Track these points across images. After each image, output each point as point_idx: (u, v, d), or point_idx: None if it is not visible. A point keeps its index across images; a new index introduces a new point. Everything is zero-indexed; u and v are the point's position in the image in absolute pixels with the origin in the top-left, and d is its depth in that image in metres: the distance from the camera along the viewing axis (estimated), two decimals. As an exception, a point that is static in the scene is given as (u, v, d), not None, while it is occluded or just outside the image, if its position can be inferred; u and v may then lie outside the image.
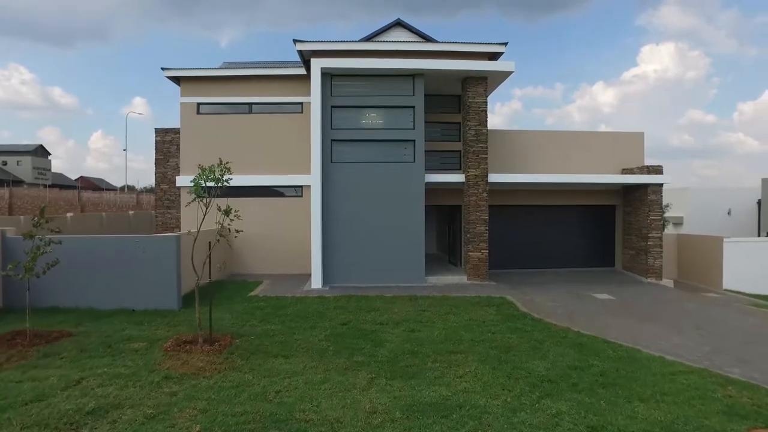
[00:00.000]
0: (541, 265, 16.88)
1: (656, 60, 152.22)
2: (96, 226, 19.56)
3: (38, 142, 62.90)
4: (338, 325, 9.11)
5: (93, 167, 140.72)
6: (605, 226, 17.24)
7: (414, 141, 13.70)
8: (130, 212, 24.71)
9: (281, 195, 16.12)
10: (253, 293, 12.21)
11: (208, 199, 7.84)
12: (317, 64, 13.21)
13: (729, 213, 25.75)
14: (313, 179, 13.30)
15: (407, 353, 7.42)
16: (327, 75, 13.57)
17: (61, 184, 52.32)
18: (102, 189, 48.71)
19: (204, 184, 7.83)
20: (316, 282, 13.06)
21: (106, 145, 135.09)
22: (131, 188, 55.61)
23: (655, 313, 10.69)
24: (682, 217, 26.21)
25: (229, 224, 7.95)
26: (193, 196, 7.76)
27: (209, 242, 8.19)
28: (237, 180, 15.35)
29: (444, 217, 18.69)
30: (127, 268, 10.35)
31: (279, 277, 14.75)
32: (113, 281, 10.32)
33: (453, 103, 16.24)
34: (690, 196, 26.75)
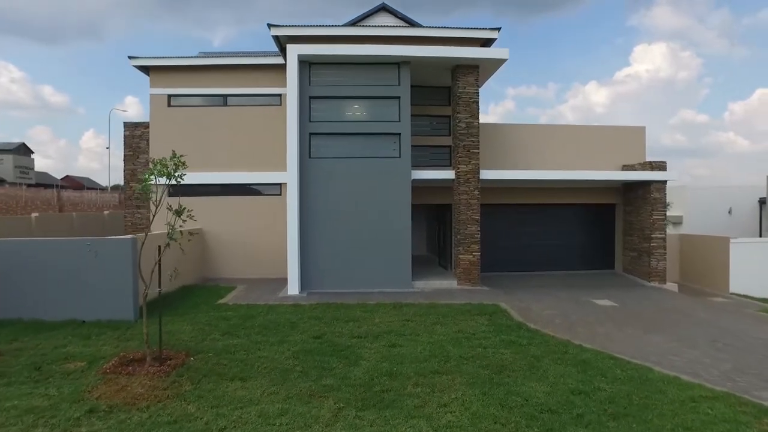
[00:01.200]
0: (536, 268, 15.89)
1: (648, 60, 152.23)
2: (65, 226, 18.35)
3: (29, 142, 61.45)
4: (310, 338, 8.10)
5: (85, 167, 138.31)
6: (605, 226, 16.28)
7: (399, 134, 12.65)
8: (105, 212, 23.51)
9: (259, 193, 15.03)
10: (222, 300, 11.14)
11: (158, 197, 6.90)
12: (293, 51, 12.11)
13: (730, 212, 24.85)
14: (289, 176, 12.19)
15: (385, 374, 6.42)
16: (305, 63, 12.50)
17: (46, 183, 50.85)
18: (84, 188, 47.25)
19: (155, 181, 6.88)
20: (293, 288, 11.98)
21: (98, 144, 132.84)
22: (118, 187, 54.13)
23: (662, 322, 9.73)
24: (681, 217, 25.30)
25: (180, 226, 6.95)
26: (153, 194, 6.88)
27: (158, 246, 7.13)
28: (212, 177, 14.53)
29: (434, 216, 17.67)
30: (78, 275, 9.30)
31: (256, 282, 13.69)
32: (62, 289, 9.27)
33: (442, 95, 15.23)
34: (689, 195, 25.84)
